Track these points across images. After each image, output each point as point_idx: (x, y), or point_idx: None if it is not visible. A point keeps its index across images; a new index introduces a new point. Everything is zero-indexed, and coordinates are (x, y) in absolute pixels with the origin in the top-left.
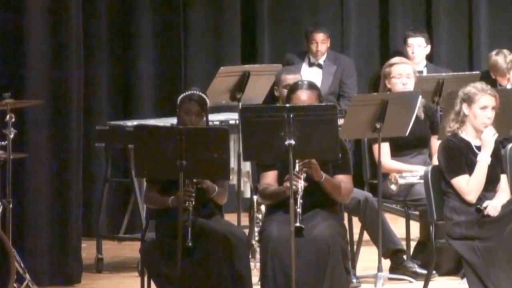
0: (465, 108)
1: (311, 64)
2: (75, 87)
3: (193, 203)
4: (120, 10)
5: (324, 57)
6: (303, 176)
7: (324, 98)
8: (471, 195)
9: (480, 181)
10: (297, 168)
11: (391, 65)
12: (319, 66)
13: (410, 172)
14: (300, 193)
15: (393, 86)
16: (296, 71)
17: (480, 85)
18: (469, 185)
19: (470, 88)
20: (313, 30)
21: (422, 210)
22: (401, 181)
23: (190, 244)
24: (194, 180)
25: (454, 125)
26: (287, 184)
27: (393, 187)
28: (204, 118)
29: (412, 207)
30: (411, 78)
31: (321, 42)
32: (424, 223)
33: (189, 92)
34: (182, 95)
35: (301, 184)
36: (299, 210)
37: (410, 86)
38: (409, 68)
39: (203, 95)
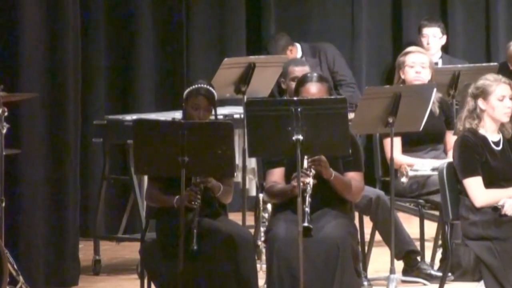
0: (481, 103)
1: None
2: (72, 80)
3: (199, 203)
4: None
5: (298, 54)
6: (311, 173)
7: None
8: (480, 203)
9: (497, 199)
10: (305, 165)
11: (406, 53)
12: None
13: (422, 164)
14: (309, 191)
15: (406, 75)
16: (304, 63)
17: (491, 76)
18: (487, 195)
19: (483, 81)
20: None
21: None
22: (411, 173)
23: (195, 247)
24: (198, 179)
25: (471, 122)
26: (295, 182)
27: (404, 179)
28: (213, 113)
29: (429, 203)
30: (426, 68)
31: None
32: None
33: (197, 85)
34: (189, 89)
35: (309, 182)
36: (307, 209)
37: (424, 76)
38: (424, 58)
39: (211, 88)
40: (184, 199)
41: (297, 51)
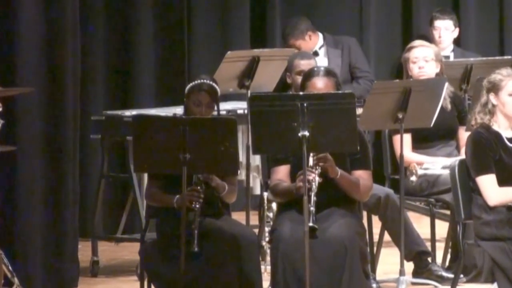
0: (492, 97)
1: None
2: (70, 74)
3: (201, 203)
4: None
5: (319, 44)
6: (317, 171)
7: None
8: (493, 202)
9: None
10: (311, 163)
11: (409, 49)
12: (315, 54)
13: (432, 164)
14: (314, 190)
15: (411, 71)
16: (310, 56)
17: (505, 70)
18: (501, 193)
19: (495, 75)
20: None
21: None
22: (420, 172)
23: (196, 249)
24: (200, 177)
25: (483, 116)
26: (299, 182)
27: (413, 178)
28: (215, 109)
29: (440, 202)
30: (430, 61)
31: (298, 47)
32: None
33: (199, 81)
34: (190, 85)
35: (315, 180)
36: (312, 208)
37: (428, 70)
38: (427, 51)
39: (214, 84)
40: (184, 200)
41: (317, 39)
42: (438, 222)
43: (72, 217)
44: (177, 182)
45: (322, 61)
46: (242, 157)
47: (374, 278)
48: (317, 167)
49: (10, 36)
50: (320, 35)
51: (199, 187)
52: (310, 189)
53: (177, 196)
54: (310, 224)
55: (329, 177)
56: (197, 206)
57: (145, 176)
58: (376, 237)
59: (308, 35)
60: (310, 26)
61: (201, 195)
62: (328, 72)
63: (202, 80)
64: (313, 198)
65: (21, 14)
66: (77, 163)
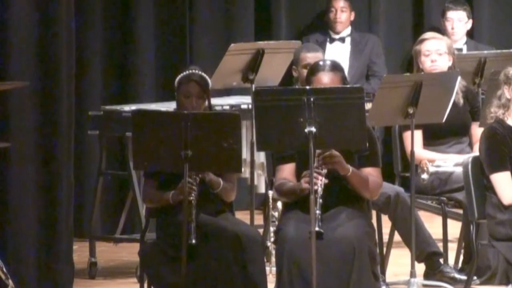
0: (506, 91)
1: (332, 40)
2: (66, 67)
3: (195, 195)
4: None
5: (347, 31)
6: (324, 172)
7: (352, 80)
8: (508, 200)
9: None
10: (316, 163)
11: (421, 41)
12: (342, 40)
13: (444, 161)
14: (320, 192)
15: (422, 65)
16: (317, 48)
17: None
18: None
19: (510, 68)
20: None
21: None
22: (432, 169)
23: (193, 241)
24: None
25: (496, 110)
26: (305, 184)
27: (424, 176)
28: (206, 102)
29: (452, 200)
30: (443, 55)
31: (340, 9)
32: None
33: (188, 72)
34: (179, 76)
35: (321, 182)
36: (318, 212)
37: (440, 64)
38: (439, 44)
39: (204, 74)
40: (179, 193)
41: (349, 23)
42: (450, 222)
43: (67, 217)
44: (173, 181)
45: (345, 50)
46: (246, 154)
47: (384, 280)
48: (323, 167)
49: (2, 29)
50: (350, 27)
51: (192, 179)
52: (316, 192)
53: (172, 191)
54: (316, 229)
55: (340, 174)
56: (192, 196)
57: None
58: (386, 237)
59: (353, 13)
60: (350, 6)
61: (194, 188)
62: (335, 67)
63: (191, 71)
64: (318, 201)
65: (14, 6)
66: (71, 160)
